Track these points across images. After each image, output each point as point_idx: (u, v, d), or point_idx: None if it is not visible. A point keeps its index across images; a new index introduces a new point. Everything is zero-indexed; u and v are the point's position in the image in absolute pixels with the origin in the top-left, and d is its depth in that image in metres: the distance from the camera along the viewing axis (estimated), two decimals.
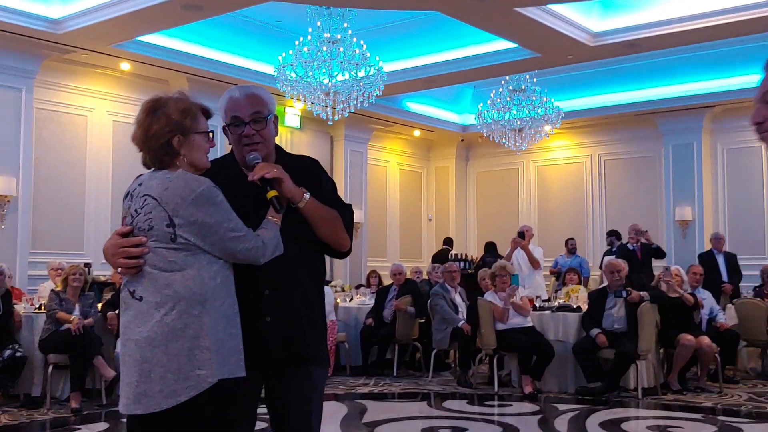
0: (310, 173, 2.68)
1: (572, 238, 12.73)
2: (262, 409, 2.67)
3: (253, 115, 2.57)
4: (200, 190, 2.29)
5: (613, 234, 12.08)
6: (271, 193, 2.46)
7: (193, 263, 2.30)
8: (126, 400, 2.30)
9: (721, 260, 10.77)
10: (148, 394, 2.24)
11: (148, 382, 2.25)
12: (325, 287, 9.80)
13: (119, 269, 2.38)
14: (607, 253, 11.65)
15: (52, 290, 7.36)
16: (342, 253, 2.71)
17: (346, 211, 2.68)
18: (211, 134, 2.47)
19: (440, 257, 12.98)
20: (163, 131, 2.36)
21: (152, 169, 2.41)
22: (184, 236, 2.29)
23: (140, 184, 2.39)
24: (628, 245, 11.02)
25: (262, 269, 2.44)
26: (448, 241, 14.19)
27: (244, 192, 2.49)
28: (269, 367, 2.57)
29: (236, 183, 2.55)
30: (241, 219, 2.36)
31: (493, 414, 7.15)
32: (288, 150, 2.87)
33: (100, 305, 7.75)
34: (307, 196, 2.52)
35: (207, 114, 2.49)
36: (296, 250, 2.54)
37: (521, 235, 9.54)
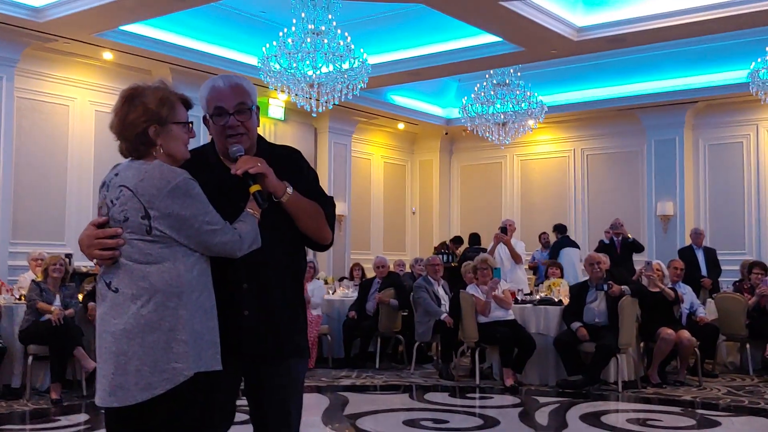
0: (291, 164, 2.67)
1: (545, 233, 12.81)
2: (242, 401, 2.67)
3: (237, 106, 2.55)
4: (176, 182, 2.27)
5: (557, 229, 12.19)
6: (254, 188, 2.44)
7: (169, 255, 2.28)
8: (102, 392, 2.29)
9: (700, 255, 10.86)
10: (124, 386, 2.23)
11: (124, 374, 2.24)
12: (316, 280, 9.80)
13: (94, 261, 2.36)
14: (557, 245, 11.73)
15: (32, 281, 7.31)
16: (323, 246, 2.70)
17: (328, 204, 2.67)
18: (190, 125, 2.45)
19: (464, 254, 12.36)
20: (139, 120, 2.34)
21: (129, 158, 2.39)
22: (159, 228, 2.27)
23: (116, 174, 2.37)
24: (605, 240, 11.15)
25: (241, 262, 2.42)
26: (474, 238, 13.22)
27: (224, 183, 2.48)
28: (248, 360, 2.56)
29: (215, 174, 2.53)
30: (219, 211, 2.34)
31: (474, 406, 7.18)
32: (273, 142, 2.86)
33: (80, 296, 7.71)
34: (290, 190, 2.51)
35: (187, 104, 2.46)
36: (275, 242, 2.52)
37: (503, 230, 9.56)
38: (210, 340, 2.34)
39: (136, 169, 2.32)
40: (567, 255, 11.39)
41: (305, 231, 2.60)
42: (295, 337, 2.63)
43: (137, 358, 2.23)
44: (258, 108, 2.65)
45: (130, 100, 2.37)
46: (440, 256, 12.07)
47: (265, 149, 2.66)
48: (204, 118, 2.61)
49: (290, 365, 2.63)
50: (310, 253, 12.54)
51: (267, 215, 2.47)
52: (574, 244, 11.97)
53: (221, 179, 2.49)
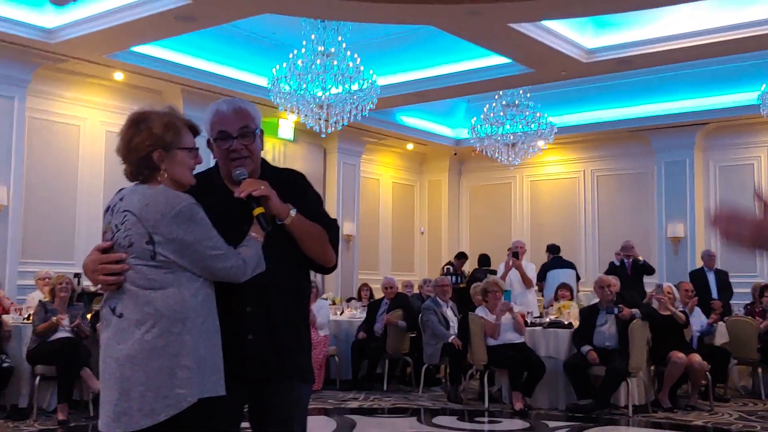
0: (296, 187, 2.66)
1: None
2: (245, 424, 2.65)
3: (241, 130, 2.55)
4: (180, 207, 2.27)
5: (548, 249, 11.97)
6: (258, 210, 2.44)
7: (174, 281, 2.27)
8: (106, 418, 2.27)
9: (711, 277, 10.78)
10: (128, 412, 2.22)
11: (127, 400, 2.23)
12: (321, 301, 9.78)
13: (99, 286, 2.36)
14: (545, 267, 11.48)
15: (39, 301, 7.31)
16: (327, 269, 2.69)
17: (332, 227, 2.66)
18: (196, 151, 2.45)
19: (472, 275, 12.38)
20: (143, 144, 2.34)
21: (134, 182, 2.39)
22: (163, 254, 2.26)
23: (121, 199, 2.37)
24: (615, 262, 11.03)
25: (245, 286, 2.41)
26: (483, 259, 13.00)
27: (228, 207, 2.47)
28: (251, 384, 2.54)
29: (220, 197, 2.52)
30: (223, 234, 2.33)
31: (483, 430, 7.12)
32: (282, 162, 2.86)
33: (89, 315, 7.70)
34: (293, 212, 2.50)
35: (194, 130, 2.47)
36: (279, 266, 2.51)
37: (515, 254, 9.51)
38: (214, 366, 2.32)
39: (141, 194, 2.33)
40: (554, 278, 11.08)
41: (309, 254, 2.59)
42: (298, 358, 2.61)
43: (141, 383, 2.22)
44: (262, 132, 2.65)
45: (136, 124, 2.38)
46: (448, 277, 12.01)
47: (269, 172, 2.66)
48: (208, 141, 2.61)
49: (294, 388, 2.60)
50: (312, 274, 12.49)
51: (269, 235, 2.46)
52: (567, 265, 11.54)
53: (225, 203, 2.49)
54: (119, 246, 2.32)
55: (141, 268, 2.28)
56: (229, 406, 2.42)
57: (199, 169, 2.52)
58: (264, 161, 2.69)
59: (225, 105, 2.60)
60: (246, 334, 2.50)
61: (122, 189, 2.42)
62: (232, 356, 2.39)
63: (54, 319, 6.96)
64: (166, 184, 2.36)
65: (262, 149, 2.65)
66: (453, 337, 8.36)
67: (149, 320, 2.25)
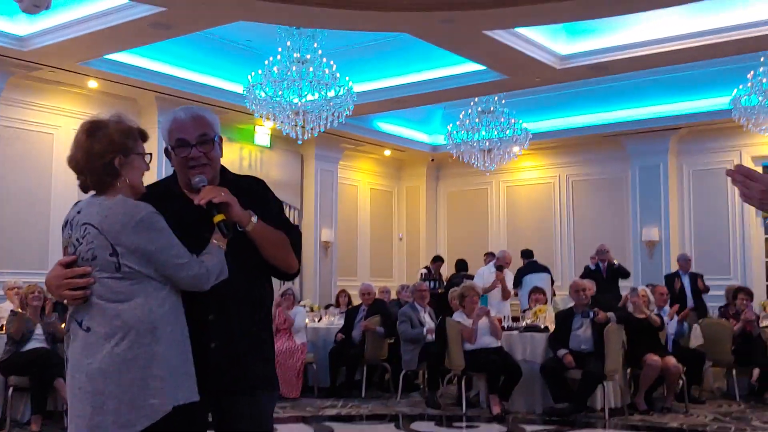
0: (256, 194, 2.66)
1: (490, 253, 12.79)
2: None
3: (199, 138, 2.54)
4: (140, 216, 2.27)
5: (523, 254, 12.07)
6: (218, 218, 2.42)
7: (140, 292, 2.27)
8: None
9: (686, 281, 10.88)
10: (102, 425, 2.21)
11: (101, 414, 2.21)
12: (298, 308, 9.77)
13: (65, 301, 2.33)
14: (520, 272, 11.51)
15: (11, 311, 7.23)
16: (290, 275, 2.68)
17: (293, 233, 2.66)
18: (149, 156, 2.45)
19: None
20: (105, 151, 2.34)
21: (91, 194, 2.38)
22: (128, 264, 2.26)
23: (79, 212, 2.36)
24: (590, 266, 11.12)
25: (206, 294, 2.40)
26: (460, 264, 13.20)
27: (187, 215, 2.46)
28: (216, 393, 2.52)
29: (178, 206, 2.51)
30: (184, 243, 2.32)
31: None
32: (258, 169, 2.87)
33: (63, 325, 7.62)
34: (254, 219, 2.49)
35: (144, 137, 2.46)
36: (241, 273, 2.50)
37: (500, 268, 9.65)
38: (185, 373, 2.32)
39: (99, 206, 2.32)
40: (529, 282, 11.13)
41: (271, 260, 2.57)
42: (259, 367, 2.59)
43: (114, 397, 2.21)
44: (221, 138, 2.64)
45: (92, 132, 2.37)
46: (427, 282, 12.02)
47: (229, 180, 2.65)
48: (166, 150, 2.59)
49: (258, 397, 2.58)
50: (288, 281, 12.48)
51: (231, 245, 2.45)
52: (542, 269, 11.62)
53: (184, 211, 2.47)
54: (83, 260, 2.30)
55: (106, 281, 2.27)
56: (199, 428, 2.41)
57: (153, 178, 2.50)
58: (224, 168, 2.68)
59: (182, 113, 2.58)
60: (209, 342, 2.48)
61: (78, 202, 2.41)
62: (196, 365, 2.38)
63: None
64: (124, 192, 2.35)
65: (222, 156, 2.64)
66: (426, 328, 8.48)
67: (118, 333, 2.24)
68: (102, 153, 2.34)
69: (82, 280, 2.28)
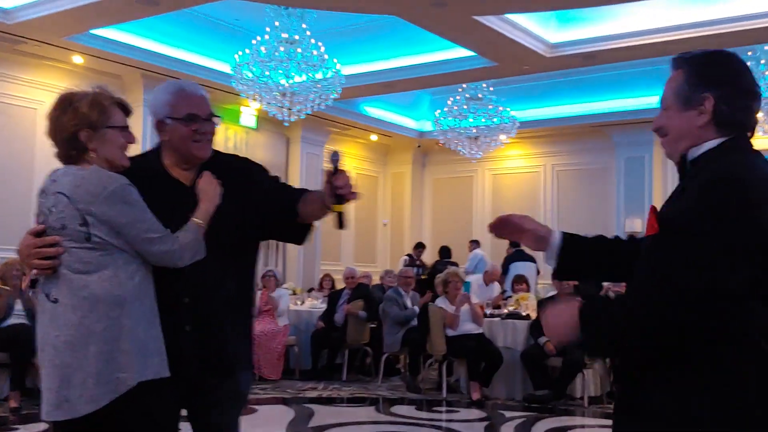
0: (252, 169, 2.67)
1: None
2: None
3: (209, 114, 2.54)
4: (112, 187, 2.22)
5: (511, 243, 12.06)
6: (339, 208, 2.48)
7: (109, 263, 2.22)
8: (48, 406, 2.23)
9: None
10: (69, 399, 2.18)
11: (68, 387, 2.18)
12: (280, 290, 9.77)
13: (34, 271, 2.29)
14: (507, 260, 11.55)
15: None
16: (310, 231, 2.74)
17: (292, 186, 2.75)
18: (127, 129, 2.39)
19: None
20: (69, 124, 2.29)
21: (66, 164, 2.34)
22: (98, 235, 2.21)
23: (54, 181, 2.31)
24: None
25: (182, 276, 2.35)
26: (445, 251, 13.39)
27: (169, 192, 2.43)
28: (191, 377, 2.46)
29: (159, 182, 2.47)
30: (163, 220, 2.28)
31: (440, 420, 7.16)
32: (243, 151, 2.87)
33: None
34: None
35: (125, 109, 2.41)
36: (220, 254, 2.43)
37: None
38: (155, 348, 2.28)
39: (73, 175, 2.27)
40: (515, 270, 11.20)
41: (316, 219, 2.72)
42: (233, 347, 2.54)
43: (81, 370, 2.18)
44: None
45: (63, 104, 2.33)
46: (412, 268, 12.02)
47: (224, 159, 2.65)
48: (159, 122, 2.53)
49: (236, 379, 2.56)
50: (272, 263, 12.44)
51: (209, 224, 2.39)
52: (528, 258, 11.63)
53: (165, 188, 2.46)
54: (52, 229, 2.27)
55: (76, 251, 2.23)
56: (167, 401, 2.35)
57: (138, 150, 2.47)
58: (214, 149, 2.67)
59: (190, 87, 2.56)
60: (183, 325, 2.43)
61: (56, 170, 2.36)
62: (169, 349, 2.32)
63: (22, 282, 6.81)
64: (99, 165, 2.30)
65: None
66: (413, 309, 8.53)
67: (86, 305, 2.20)
68: (66, 126, 2.30)
69: (51, 249, 2.24)
